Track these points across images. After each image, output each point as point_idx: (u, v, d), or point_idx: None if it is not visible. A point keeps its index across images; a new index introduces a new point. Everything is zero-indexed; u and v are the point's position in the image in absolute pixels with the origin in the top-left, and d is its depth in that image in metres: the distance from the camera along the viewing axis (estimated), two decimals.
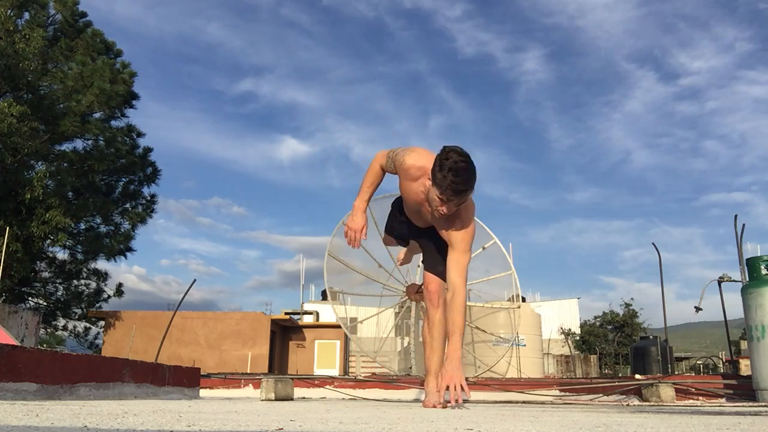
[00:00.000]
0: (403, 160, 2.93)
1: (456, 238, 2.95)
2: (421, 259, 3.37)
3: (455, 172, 2.62)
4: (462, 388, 2.72)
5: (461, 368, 2.85)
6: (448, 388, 2.74)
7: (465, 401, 3.15)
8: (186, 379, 3.92)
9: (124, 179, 18.05)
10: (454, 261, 2.95)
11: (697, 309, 6.12)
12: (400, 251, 3.91)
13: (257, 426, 1.31)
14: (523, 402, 4.54)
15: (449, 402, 2.82)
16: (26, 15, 15.58)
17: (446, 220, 2.92)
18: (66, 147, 16.53)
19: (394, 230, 3.49)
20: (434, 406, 2.83)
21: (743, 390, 4.81)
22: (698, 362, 30.82)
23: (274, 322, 19.14)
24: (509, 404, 3.88)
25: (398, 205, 3.35)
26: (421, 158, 2.89)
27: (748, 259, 4.81)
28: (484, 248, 10.27)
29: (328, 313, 18.60)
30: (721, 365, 23.59)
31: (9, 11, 14.58)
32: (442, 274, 3.10)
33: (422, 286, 3.28)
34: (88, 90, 15.23)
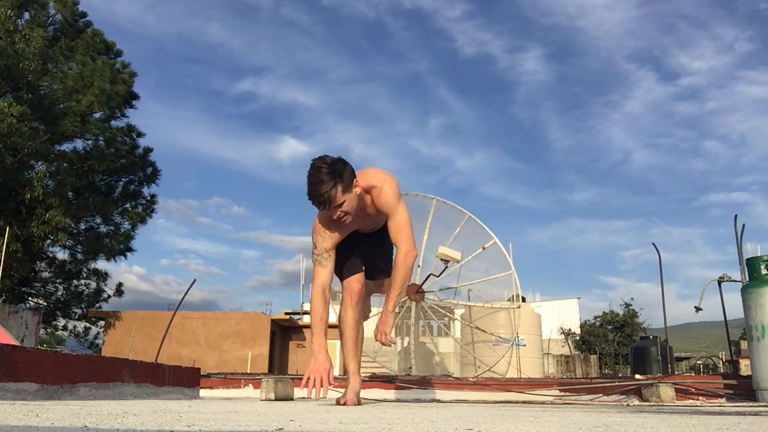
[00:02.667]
0: (314, 226, 2.88)
1: (388, 211, 2.89)
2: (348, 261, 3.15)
3: (307, 184, 2.62)
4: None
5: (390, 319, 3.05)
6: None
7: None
8: (186, 379, 3.92)
9: (124, 179, 18.05)
10: (394, 224, 2.89)
11: (697, 309, 6.12)
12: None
13: (257, 426, 1.31)
14: (523, 402, 4.54)
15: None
16: (26, 15, 15.58)
17: (368, 215, 2.91)
18: (66, 147, 16.56)
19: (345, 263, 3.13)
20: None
21: (743, 390, 4.81)
22: (698, 362, 30.82)
23: (274, 322, 19.14)
24: (509, 404, 3.88)
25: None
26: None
27: (748, 259, 4.81)
28: (484, 248, 10.27)
29: None
30: (721, 365, 23.58)
31: (9, 11, 14.58)
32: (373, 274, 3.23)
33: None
34: (88, 90, 15.23)
